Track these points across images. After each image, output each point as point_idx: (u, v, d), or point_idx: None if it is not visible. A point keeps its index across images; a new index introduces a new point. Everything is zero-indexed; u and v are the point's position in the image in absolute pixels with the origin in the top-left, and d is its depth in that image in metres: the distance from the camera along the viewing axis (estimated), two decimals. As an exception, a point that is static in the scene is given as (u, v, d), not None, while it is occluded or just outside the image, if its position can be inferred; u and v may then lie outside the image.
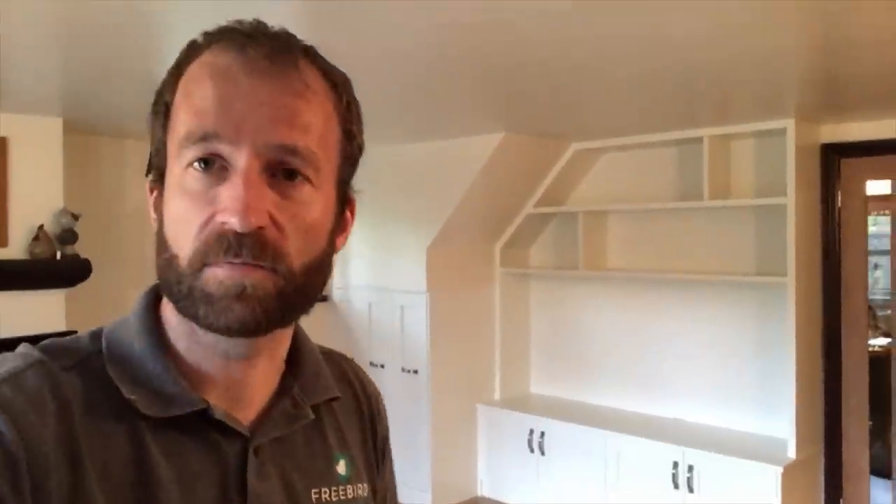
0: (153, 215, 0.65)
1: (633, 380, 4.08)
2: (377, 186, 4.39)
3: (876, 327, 4.17)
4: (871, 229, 3.59)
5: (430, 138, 3.98)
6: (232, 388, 0.65)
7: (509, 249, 4.47)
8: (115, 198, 3.77)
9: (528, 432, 4.07)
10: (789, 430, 3.32)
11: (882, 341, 3.96)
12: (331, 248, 0.66)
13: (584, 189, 4.32)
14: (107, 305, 3.65)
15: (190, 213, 0.59)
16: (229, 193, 0.58)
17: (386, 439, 0.85)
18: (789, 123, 3.28)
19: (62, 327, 3.17)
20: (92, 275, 3.27)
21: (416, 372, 4.18)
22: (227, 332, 0.59)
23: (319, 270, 0.64)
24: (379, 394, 0.86)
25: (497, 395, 4.42)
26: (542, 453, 4.01)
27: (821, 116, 3.36)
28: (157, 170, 0.64)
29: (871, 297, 3.69)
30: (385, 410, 0.86)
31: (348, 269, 4.63)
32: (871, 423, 3.51)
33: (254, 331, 0.60)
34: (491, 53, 2.24)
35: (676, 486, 3.46)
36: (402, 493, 3.77)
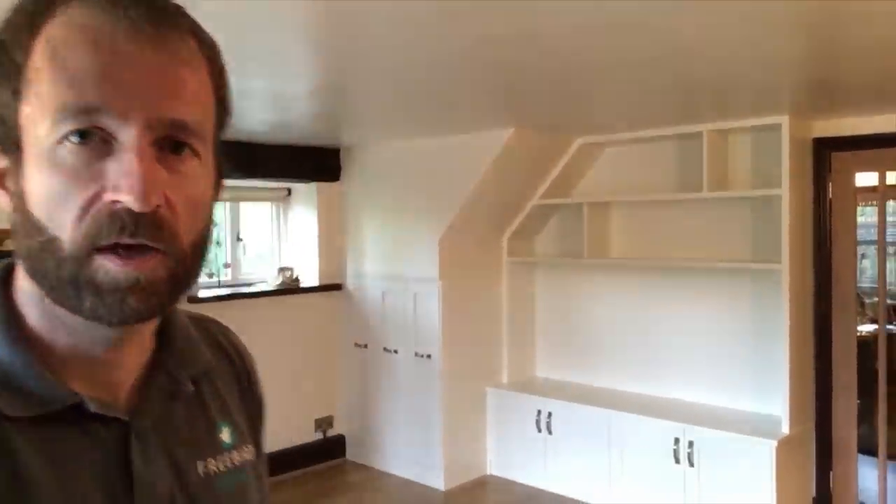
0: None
1: (634, 363, 4.30)
2: (393, 179, 4.58)
3: (863, 314, 4.40)
4: (860, 220, 3.80)
5: (443, 133, 4.17)
6: (103, 372, 0.61)
7: (516, 240, 4.67)
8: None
9: (535, 413, 4.28)
10: (782, 408, 3.54)
11: (869, 327, 4.19)
12: (212, 221, 0.63)
13: (588, 181, 4.52)
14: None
15: (70, 191, 0.54)
16: (121, 170, 0.54)
17: (262, 399, 0.82)
18: (784, 119, 3.48)
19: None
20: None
21: (429, 356, 4.39)
22: (119, 323, 0.57)
23: (204, 247, 0.62)
24: (250, 355, 0.83)
25: (505, 379, 4.63)
26: (550, 433, 4.23)
27: (813, 113, 3.56)
28: (7, 139, 0.57)
29: (858, 285, 3.91)
30: (257, 371, 0.83)
31: (363, 259, 4.82)
32: (858, 402, 3.73)
33: (145, 320, 0.58)
34: (501, 53, 2.36)
35: (678, 460, 3.68)
36: (415, 472, 4.01)
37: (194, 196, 0.59)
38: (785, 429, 3.50)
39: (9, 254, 0.62)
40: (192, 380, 0.69)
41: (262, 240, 5.11)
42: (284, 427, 4.61)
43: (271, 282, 4.82)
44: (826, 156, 3.69)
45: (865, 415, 3.79)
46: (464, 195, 4.16)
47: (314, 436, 4.84)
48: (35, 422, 0.57)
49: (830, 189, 3.70)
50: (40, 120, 0.55)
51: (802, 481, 3.70)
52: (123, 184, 0.54)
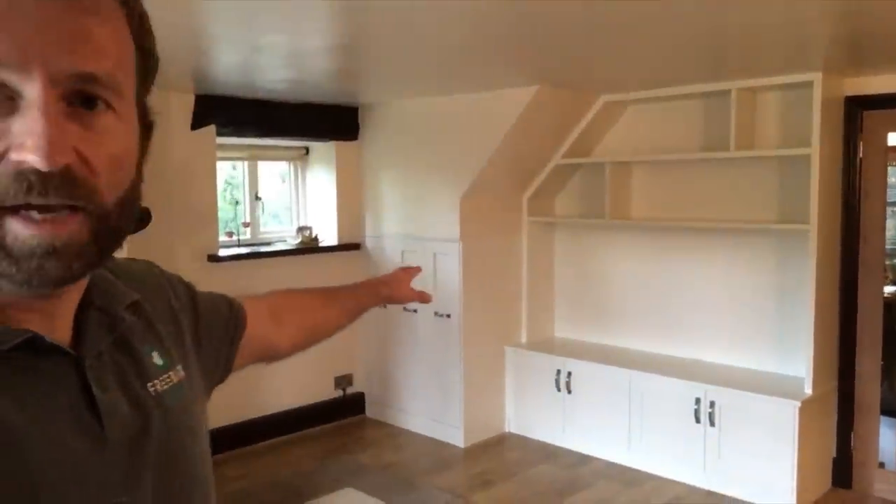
0: None
1: (655, 323, 4.28)
2: (412, 138, 4.53)
3: (886, 276, 4.35)
4: (890, 180, 3.73)
5: (465, 91, 4.10)
6: (42, 317, 0.61)
7: (536, 199, 4.63)
8: (160, 150, 3.92)
9: (555, 372, 4.30)
10: (806, 369, 3.53)
11: (891, 289, 4.15)
12: (139, 179, 0.62)
13: (610, 140, 4.45)
14: (157, 256, 3.85)
15: None
16: (25, 128, 0.51)
17: (186, 293, 0.86)
18: (816, 77, 3.39)
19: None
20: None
21: (448, 316, 4.39)
22: (38, 288, 0.55)
23: (132, 204, 0.60)
24: (157, 268, 0.85)
25: (524, 339, 4.64)
26: (569, 392, 4.25)
27: (846, 70, 3.47)
28: None
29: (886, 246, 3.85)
30: (170, 275, 0.86)
31: (381, 218, 4.80)
32: (882, 363, 3.71)
33: (70, 283, 0.57)
34: (525, 7, 2.30)
35: (698, 420, 3.69)
36: (436, 429, 4.05)
37: (114, 151, 0.57)
38: (808, 390, 3.50)
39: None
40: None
41: (280, 199, 5.09)
42: (304, 384, 4.66)
43: (290, 241, 4.82)
44: (857, 114, 3.61)
45: (888, 376, 3.77)
46: (486, 154, 4.11)
47: (334, 393, 4.89)
48: None
49: (861, 149, 3.63)
50: None
51: (823, 442, 3.71)
52: (28, 142, 0.51)
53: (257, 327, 0.98)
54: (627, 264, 4.41)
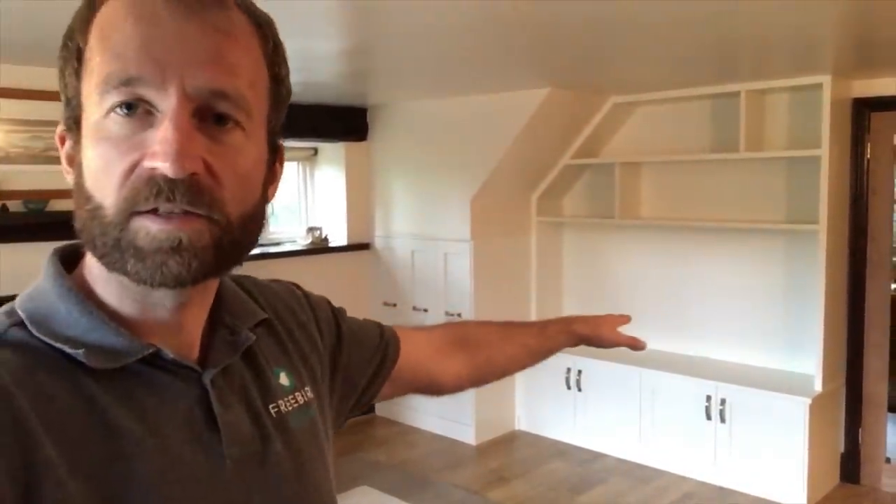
0: (67, 167, 0.62)
1: (665, 323, 4.33)
2: (422, 139, 4.57)
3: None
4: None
5: (475, 93, 4.14)
6: (169, 333, 0.63)
7: (546, 199, 4.67)
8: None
9: (565, 371, 4.35)
10: (816, 366, 3.58)
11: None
12: (264, 199, 0.64)
13: (619, 141, 4.50)
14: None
15: (113, 160, 0.56)
16: (159, 137, 0.55)
17: (330, 316, 0.87)
18: (825, 79, 3.44)
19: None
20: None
21: (459, 315, 4.43)
22: (159, 286, 0.58)
23: (255, 221, 0.63)
24: (298, 289, 0.87)
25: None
26: (580, 390, 4.30)
27: (854, 72, 3.52)
28: (70, 118, 0.60)
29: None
30: (314, 297, 0.87)
31: (391, 218, 4.84)
32: (889, 360, 3.76)
33: (188, 284, 0.58)
34: (536, 11, 2.33)
35: (709, 417, 3.75)
36: (447, 427, 4.09)
37: (241, 168, 0.60)
38: (818, 387, 3.56)
39: (64, 214, 0.64)
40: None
41: (289, 200, 5.12)
42: (316, 384, 4.69)
43: (300, 241, 4.85)
44: (865, 116, 3.66)
45: (895, 373, 3.83)
46: (497, 155, 4.15)
47: (345, 392, 4.92)
48: (110, 377, 0.59)
49: (869, 149, 3.68)
50: (92, 95, 0.57)
51: (832, 438, 3.77)
52: (158, 150, 0.55)
53: (415, 359, 0.96)
54: (636, 263, 4.46)
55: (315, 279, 4.72)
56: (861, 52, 3.11)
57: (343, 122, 4.78)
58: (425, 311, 4.63)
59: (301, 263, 4.68)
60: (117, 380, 0.59)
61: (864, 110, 3.65)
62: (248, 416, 0.67)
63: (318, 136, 4.76)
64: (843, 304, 3.75)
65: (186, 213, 0.56)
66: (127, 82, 0.55)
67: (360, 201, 4.95)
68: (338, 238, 4.92)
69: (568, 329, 1.17)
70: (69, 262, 0.65)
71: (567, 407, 4.38)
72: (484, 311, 4.42)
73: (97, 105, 0.57)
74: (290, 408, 0.72)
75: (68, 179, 0.62)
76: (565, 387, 4.36)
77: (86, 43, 0.58)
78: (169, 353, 0.62)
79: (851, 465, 3.80)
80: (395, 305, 4.82)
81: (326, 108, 4.64)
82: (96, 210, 0.57)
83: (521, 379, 4.61)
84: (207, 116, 0.58)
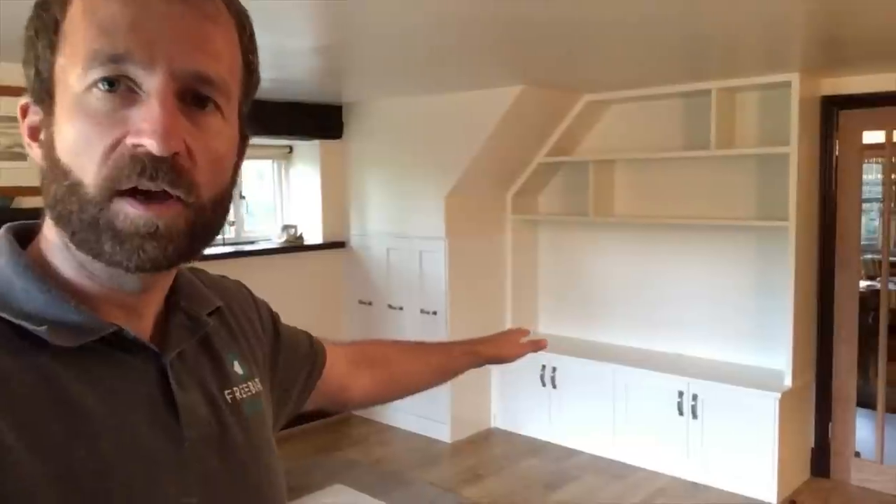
0: (29, 140, 0.61)
1: (638, 319, 4.36)
2: (397, 136, 4.56)
3: (864, 271, 4.47)
4: (865, 177, 3.83)
5: (450, 91, 4.13)
6: (128, 313, 0.63)
7: (520, 197, 4.68)
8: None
9: (540, 368, 4.36)
10: (786, 362, 3.62)
11: (867, 283, 4.26)
12: (233, 183, 0.65)
13: (593, 139, 4.52)
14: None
15: (94, 136, 0.56)
16: (145, 115, 0.55)
17: (269, 319, 0.87)
18: (794, 77, 3.48)
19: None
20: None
21: (434, 313, 4.43)
22: (135, 270, 0.58)
23: (225, 205, 0.63)
24: (247, 289, 0.87)
25: (509, 335, 4.68)
26: (554, 387, 4.31)
27: (822, 70, 3.55)
28: (41, 90, 0.59)
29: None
30: (258, 298, 0.88)
31: (366, 216, 4.82)
32: (858, 356, 3.81)
33: (163, 268, 0.60)
34: (508, 10, 2.33)
35: (681, 412, 3.77)
36: (423, 425, 4.09)
37: (216, 150, 0.61)
38: (787, 382, 3.59)
39: (30, 211, 0.63)
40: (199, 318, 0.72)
41: (264, 198, 5.08)
42: (291, 383, 4.66)
43: (275, 239, 4.82)
44: (834, 114, 3.70)
45: (864, 370, 3.88)
46: (470, 153, 4.15)
47: (320, 391, 4.90)
48: (75, 354, 0.58)
49: (837, 147, 3.72)
50: (71, 69, 0.56)
51: (802, 432, 3.81)
52: (145, 127, 0.55)
53: (334, 371, 0.97)
54: (611, 261, 4.48)
55: (290, 277, 4.74)
56: (829, 50, 3.15)
57: (318, 120, 4.75)
58: (400, 309, 4.62)
59: (276, 262, 4.65)
60: (77, 358, 0.58)
61: (832, 108, 3.69)
62: (205, 400, 0.67)
63: (292, 134, 4.73)
64: (812, 300, 3.79)
65: (164, 196, 0.57)
66: (114, 59, 0.55)
67: (336, 199, 4.93)
68: (313, 236, 4.90)
69: (472, 350, 1.19)
70: (22, 240, 0.63)
71: (542, 404, 4.39)
72: (459, 308, 4.42)
73: (79, 79, 0.56)
74: (245, 395, 0.72)
75: (30, 152, 0.61)
76: (540, 384, 4.36)
77: (64, 16, 0.57)
78: (131, 333, 0.61)
79: (822, 460, 3.84)
80: (370, 304, 4.81)
81: (301, 106, 4.61)
82: (75, 186, 0.56)
83: (496, 376, 4.61)
84: (188, 99, 0.58)
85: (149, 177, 0.55)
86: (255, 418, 0.72)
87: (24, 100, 0.61)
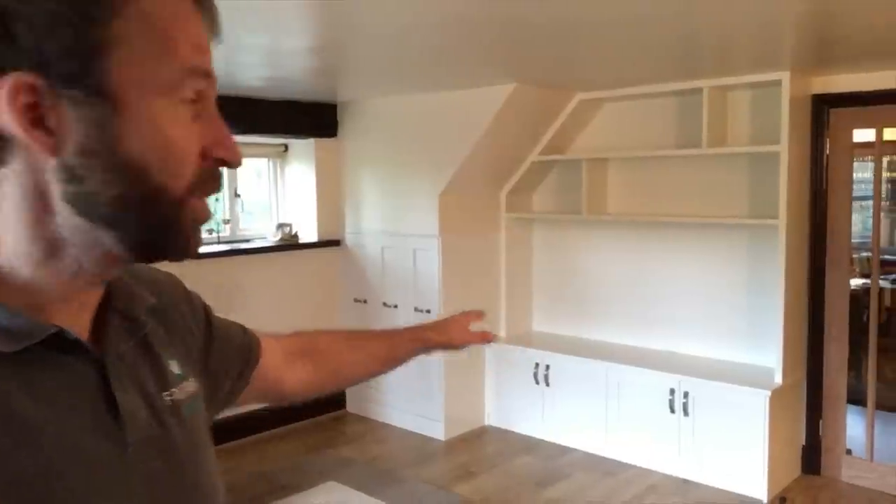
0: (23, 125, 0.54)
1: (631, 317, 4.38)
2: (391, 135, 4.57)
3: (853, 269, 4.48)
4: (856, 175, 3.84)
5: (443, 89, 4.15)
6: (69, 313, 0.62)
7: (514, 195, 4.70)
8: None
9: (533, 366, 4.37)
10: (776, 359, 3.64)
11: (859, 281, 4.27)
12: None
13: (586, 138, 4.53)
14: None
15: (185, 145, 0.59)
16: (220, 132, 0.61)
17: (202, 311, 0.86)
18: (785, 75, 3.49)
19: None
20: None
21: (428, 311, 4.45)
22: (191, 257, 0.62)
23: None
24: (179, 280, 0.85)
25: (503, 333, 4.71)
26: (548, 385, 4.33)
27: (813, 69, 3.57)
28: (83, 77, 0.55)
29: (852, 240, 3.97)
30: (190, 291, 0.86)
31: (361, 214, 4.84)
32: (849, 354, 3.83)
33: (196, 255, 0.64)
34: (501, 8, 2.34)
35: (672, 410, 3.79)
36: (416, 422, 4.10)
37: None
38: (778, 379, 3.61)
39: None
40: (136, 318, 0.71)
41: (259, 196, 5.10)
42: (286, 381, 4.68)
43: (270, 238, 4.84)
44: (824, 112, 3.72)
45: (855, 367, 3.90)
46: (463, 151, 4.17)
47: (315, 389, 4.92)
48: (14, 359, 0.56)
49: (828, 145, 3.74)
50: (161, 76, 0.58)
51: (793, 430, 3.82)
52: (228, 144, 0.62)
53: (269, 364, 0.96)
54: (604, 259, 4.49)
55: (285, 276, 4.75)
56: (820, 49, 3.17)
57: (312, 119, 4.77)
58: (395, 307, 4.64)
59: (271, 260, 4.67)
60: (16, 364, 0.56)
61: (822, 106, 3.71)
62: (145, 403, 0.66)
63: (287, 133, 4.75)
64: (803, 298, 3.81)
65: None
66: (205, 75, 0.60)
67: (331, 198, 4.94)
68: (308, 235, 4.91)
69: (418, 337, 1.19)
70: None
71: (535, 402, 4.40)
72: (453, 306, 4.41)
73: (173, 89, 0.58)
74: (183, 396, 0.72)
75: (33, 144, 0.55)
76: (534, 382, 4.38)
77: (120, 15, 0.55)
78: (72, 334, 0.60)
79: (812, 457, 3.86)
80: (365, 302, 4.82)
81: (296, 105, 4.62)
82: (157, 190, 0.58)
83: (490, 374, 4.63)
84: None
85: (218, 185, 0.63)
86: (193, 419, 0.72)
87: (30, 77, 0.54)
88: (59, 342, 0.59)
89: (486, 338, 1.27)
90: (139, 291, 0.72)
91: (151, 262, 0.64)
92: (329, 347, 1.10)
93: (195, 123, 0.60)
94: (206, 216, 0.63)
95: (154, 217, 0.59)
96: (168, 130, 0.58)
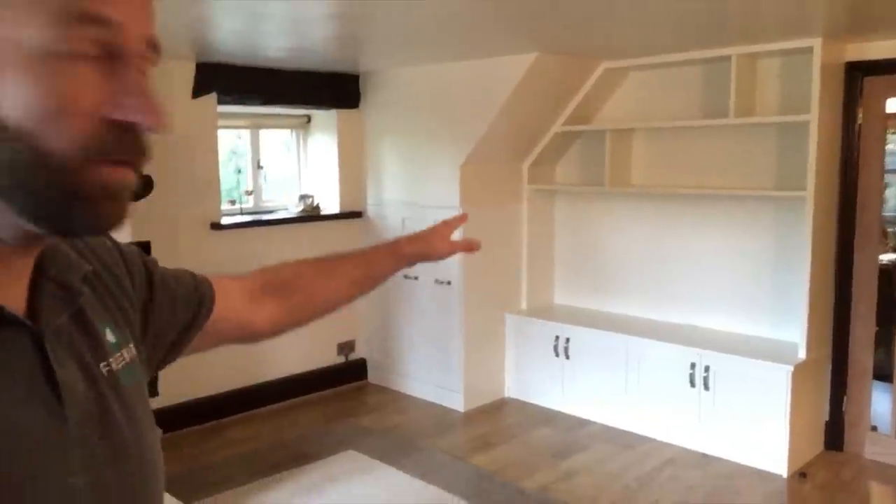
0: None
1: (652, 290, 4.33)
2: (413, 105, 4.54)
3: (885, 243, 4.37)
4: (888, 147, 3.73)
5: (465, 58, 4.09)
6: (2, 285, 0.59)
7: (537, 167, 4.65)
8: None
9: (553, 339, 4.35)
10: (800, 334, 3.57)
11: (891, 256, 4.17)
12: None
13: (611, 108, 4.45)
14: (160, 224, 3.90)
15: (70, 104, 0.52)
16: (129, 88, 0.54)
17: (141, 269, 0.81)
18: (816, 42, 3.38)
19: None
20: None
21: (449, 283, 4.44)
22: (103, 231, 0.58)
23: None
24: (113, 241, 0.80)
25: (524, 305, 4.69)
26: (567, 357, 4.31)
27: (847, 35, 3.45)
28: None
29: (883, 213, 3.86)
30: (125, 248, 0.81)
31: (382, 185, 4.83)
32: (877, 329, 3.75)
33: (118, 226, 0.58)
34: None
35: (693, 384, 3.75)
36: (436, 393, 4.13)
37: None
38: (802, 355, 3.55)
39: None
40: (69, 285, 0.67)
41: (282, 167, 5.12)
42: (308, 351, 4.74)
43: (292, 209, 4.86)
44: (858, 80, 3.60)
45: (882, 342, 3.81)
46: (486, 121, 4.12)
47: (337, 359, 4.97)
48: None
49: (860, 115, 3.62)
50: (32, 17, 0.51)
51: (816, 406, 3.77)
52: (132, 102, 0.54)
53: (229, 308, 0.93)
54: (626, 231, 4.44)
55: (307, 247, 4.75)
56: (854, 14, 3.05)
57: (335, 89, 4.75)
58: (416, 278, 4.64)
59: (293, 231, 4.69)
60: None
61: (856, 74, 3.59)
62: (83, 375, 0.64)
63: (309, 104, 4.74)
64: (830, 272, 3.73)
65: (129, 163, 0.57)
66: (98, 20, 0.52)
67: (353, 169, 4.94)
68: (330, 206, 4.92)
69: (395, 252, 1.15)
70: None
71: (555, 374, 4.39)
72: (474, 278, 4.43)
73: (46, 32, 0.51)
74: (120, 365, 0.69)
75: None
76: (553, 354, 4.37)
77: None
78: (8, 311, 0.57)
79: (835, 433, 3.80)
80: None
81: (319, 75, 4.61)
82: (45, 157, 0.52)
83: (510, 347, 4.63)
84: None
85: (128, 151, 0.56)
86: (132, 389, 0.70)
87: None
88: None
89: (471, 246, 1.20)
90: (72, 258, 0.68)
91: (66, 235, 0.59)
92: (298, 279, 1.05)
93: (98, 80, 0.53)
94: (117, 184, 0.55)
95: (46, 184, 0.53)
96: (51, 88, 0.52)
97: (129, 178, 0.57)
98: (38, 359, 0.60)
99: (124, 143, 0.55)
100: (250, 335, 1.00)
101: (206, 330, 0.90)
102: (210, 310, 0.90)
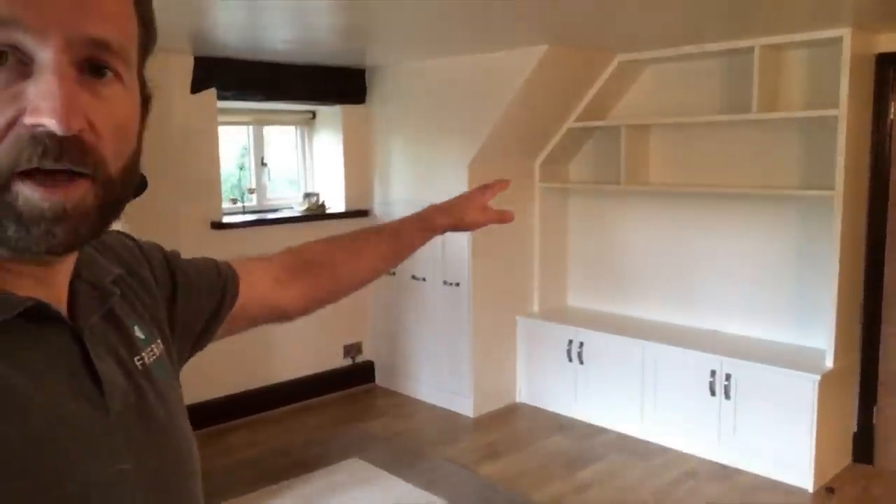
0: None
1: (671, 292, 4.15)
2: (420, 101, 4.39)
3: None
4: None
5: (473, 51, 3.93)
6: (40, 286, 0.61)
7: (549, 165, 4.48)
8: (158, 115, 3.81)
9: (567, 343, 4.19)
10: (828, 341, 3.38)
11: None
12: (140, 149, 0.62)
13: (627, 102, 4.27)
14: (160, 223, 3.77)
15: None
16: (42, 92, 0.51)
17: (163, 264, 0.83)
18: (846, 32, 3.19)
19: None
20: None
21: (457, 285, 4.29)
22: (46, 254, 0.56)
23: (133, 174, 0.60)
24: (131, 239, 0.82)
25: (536, 308, 4.53)
26: (581, 362, 4.15)
27: (877, 25, 3.26)
28: None
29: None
30: (145, 245, 0.83)
31: (389, 183, 4.68)
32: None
33: (76, 249, 0.59)
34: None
35: (713, 393, 3.58)
36: (444, 398, 3.97)
37: (120, 120, 0.57)
38: (829, 362, 3.36)
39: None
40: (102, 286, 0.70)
41: (286, 164, 4.98)
42: (314, 353, 4.61)
43: (297, 207, 4.73)
44: (889, 73, 3.40)
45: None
46: (494, 117, 3.96)
47: (343, 362, 4.84)
48: None
49: (893, 109, 3.42)
50: None
51: (844, 416, 3.58)
52: (44, 106, 0.51)
53: (256, 293, 0.95)
54: (643, 231, 4.26)
55: (312, 247, 4.64)
56: (887, 2, 2.86)
57: (341, 84, 4.61)
58: (423, 280, 4.49)
59: (297, 231, 4.55)
60: None
61: (888, 66, 3.39)
62: (120, 369, 0.66)
63: (313, 99, 4.60)
64: (859, 275, 3.53)
65: (70, 174, 0.54)
66: (1, 24, 0.50)
67: (359, 166, 4.79)
68: (336, 204, 4.78)
69: (426, 225, 1.14)
70: None
71: (568, 380, 4.23)
72: (483, 280, 4.27)
73: None
74: (151, 360, 0.71)
75: None
76: (567, 359, 4.20)
77: None
78: (52, 307, 0.60)
79: (864, 445, 3.61)
80: (393, 274, 4.68)
81: (323, 70, 4.47)
82: None
83: (522, 351, 4.47)
84: (85, 68, 0.54)
85: (52, 158, 0.52)
86: (165, 382, 0.72)
87: None
88: (37, 315, 0.59)
89: (505, 217, 1.17)
90: (102, 261, 0.72)
91: (19, 255, 0.56)
92: (326, 258, 1.06)
93: (12, 86, 0.51)
94: (32, 208, 0.53)
95: None
96: None
97: (66, 196, 0.54)
98: (79, 354, 0.62)
99: (50, 150, 0.52)
100: (282, 315, 1.01)
101: (234, 315, 0.92)
102: (235, 296, 0.92)
